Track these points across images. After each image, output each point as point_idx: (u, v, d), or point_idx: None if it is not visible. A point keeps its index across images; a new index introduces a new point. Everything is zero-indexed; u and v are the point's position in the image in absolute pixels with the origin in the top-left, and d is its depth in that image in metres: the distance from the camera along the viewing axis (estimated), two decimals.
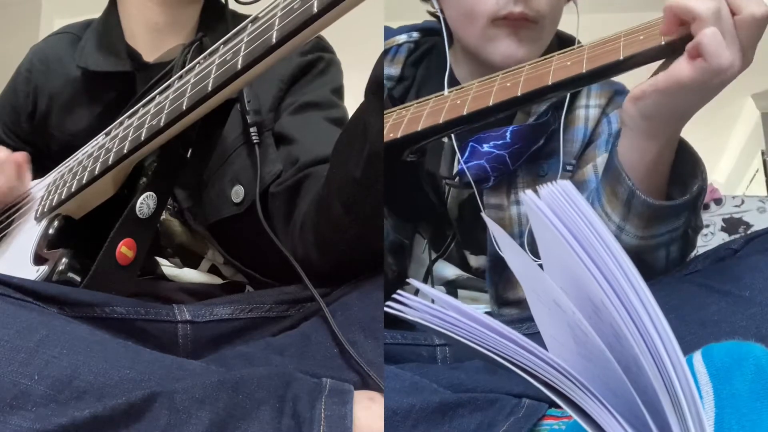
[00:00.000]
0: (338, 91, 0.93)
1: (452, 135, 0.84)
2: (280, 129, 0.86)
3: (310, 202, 0.72)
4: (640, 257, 0.69)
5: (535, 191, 0.39)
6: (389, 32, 0.97)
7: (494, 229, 0.44)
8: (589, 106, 0.88)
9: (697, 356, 0.43)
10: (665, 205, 0.66)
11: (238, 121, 0.83)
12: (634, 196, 0.66)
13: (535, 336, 0.41)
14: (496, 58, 0.82)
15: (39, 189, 0.84)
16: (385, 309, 0.43)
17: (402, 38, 0.95)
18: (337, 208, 0.66)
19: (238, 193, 0.82)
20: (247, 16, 0.63)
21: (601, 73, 0.64)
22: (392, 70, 0.92)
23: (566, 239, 0.36)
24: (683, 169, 0.67)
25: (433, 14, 0.92)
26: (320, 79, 0.91)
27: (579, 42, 0.87)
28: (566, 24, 0.88)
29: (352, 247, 0.67)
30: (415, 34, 0.95)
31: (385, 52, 0.94)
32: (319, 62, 0.92)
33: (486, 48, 0.83)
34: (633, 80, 0.99)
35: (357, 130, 0.63)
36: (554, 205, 0.38)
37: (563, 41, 0.88)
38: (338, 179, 0.65)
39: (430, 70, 0.92)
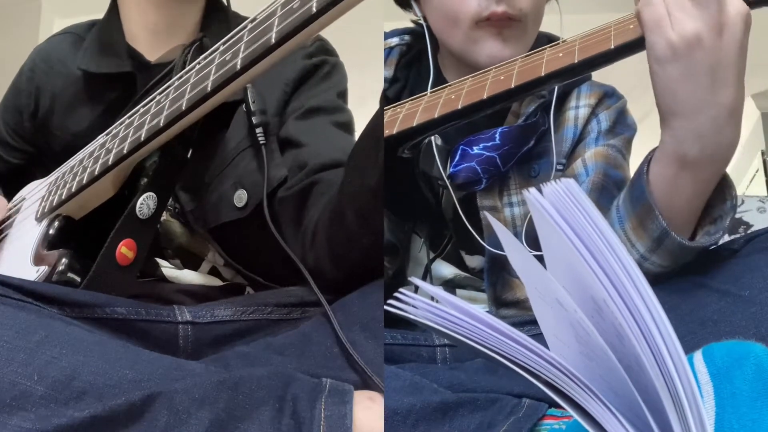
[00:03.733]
0: (343, 95, 0.93)
1: (435, 138, 0.84)
2: (286, 134, 0.86)
3: (323, 212, 0.72)
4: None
5: (539, 189, 0.39)
6: (385, 35, 0.98)
7: (496, 227, 0.44)
8: (579, 106, 0.88)
9: (698, 356, 0.43)
10: (701, 246, 0.63)
11: (242, 124, 0.83)
12: (667, 237, 0.62)
13: (536, 338, 0.41)
14: (482, 59, 0.82)
15: (41, 189, 0.84)
16: (387, 308, 0.43)
17: (394, 41, 0.95)
18: (350, 217, 0.66)
19: (241, 197, 0.81)
20: (248, 18, 0.63)
21: (593, 63, 0.64)
22: (385, 71, 0.93)
23: (569, 237, 0.36)
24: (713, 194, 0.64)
25: (415, 22, 0.93)
26: (325, 83, 0.91)
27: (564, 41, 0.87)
28: (550, 24, 0.88)
29: (364, 257, 0.67)
30: (407, 37, 0.95)
31: None
32: (324, 65, 0.92)
33: (471, 50, 0.84)
34: (625, 81, 0.99)
35: (372, 140, 0.63)
36: (557, 203, 0.37)
37: (551, 42, 0.88)
38: (353, 188, 0.65)
39: (421, 73, 0.93)
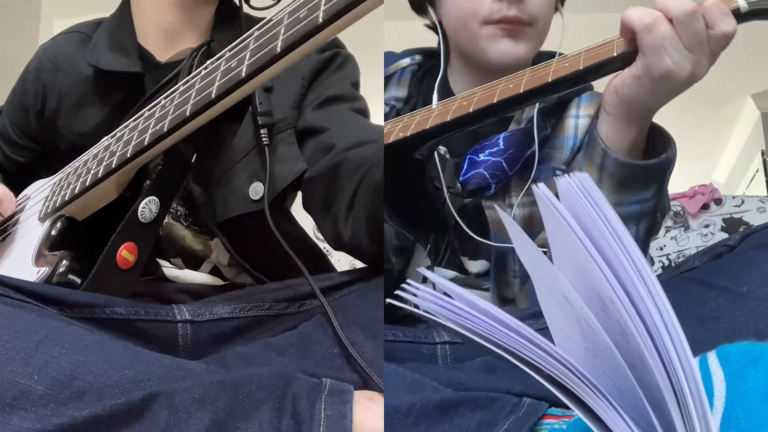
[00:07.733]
0: (356, 85, 0.94)
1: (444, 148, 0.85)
2: (306, 124, 0.85)
3: (363, 188, 0.72)
4: None
5: (552, 184, 0.39)
6: (392, 57, 0.99)
7: (506, 221, 0.44)
8: (579, 116, 0.89)
9: (713, 357, 0.43)
10: (635, 165, 0.69)
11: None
12: (606, 157, 0.69)
13: (540, 332, 0.41)
14: (494, 56, 0.83)
15: (45, 189, 0.84)
16: (391, 300, 0.43)
17: (406, 61, 0.97)
18: None
19: (257, 190, 0.80)
20: (260, 19, 0.63)
21: (597, 69, 0.67)
22: (399, 92, 0.94)
23: (575, 233, 0.36)
24: (655, 144, 0.71)
25: (430, 26, 0.94)
26: (339, 74, 0.91)
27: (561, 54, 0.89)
28: (553, 27, 0.89)
29: None
30: (418, 57, 0.97)
31: (391, 76, 0.96)
32: (337, 57, 0.92)
33: (483, 48, 0.84)
34: None
35: None
36: (570, 198, 0.37)
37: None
38: None
39: (431, 88, 0.94)
